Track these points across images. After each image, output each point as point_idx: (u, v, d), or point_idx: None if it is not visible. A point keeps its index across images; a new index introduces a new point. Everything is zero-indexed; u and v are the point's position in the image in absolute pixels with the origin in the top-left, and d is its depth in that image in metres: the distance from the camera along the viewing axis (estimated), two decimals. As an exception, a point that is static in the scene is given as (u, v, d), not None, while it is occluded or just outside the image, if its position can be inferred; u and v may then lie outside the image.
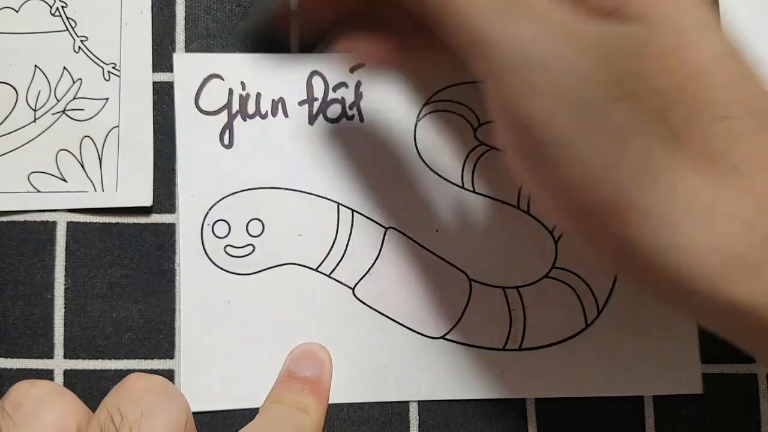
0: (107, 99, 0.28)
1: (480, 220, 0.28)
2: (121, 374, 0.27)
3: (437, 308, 0.27)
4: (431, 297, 0.27)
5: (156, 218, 0.28)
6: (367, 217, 0.27)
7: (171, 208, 0.28)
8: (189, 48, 0.28)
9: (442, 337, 0.27)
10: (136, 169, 0.27)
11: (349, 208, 0.27)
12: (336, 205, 0.27)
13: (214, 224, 0.27)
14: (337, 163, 0.28)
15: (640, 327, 0.27)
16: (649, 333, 0.27)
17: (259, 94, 0.28)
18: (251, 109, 0.28)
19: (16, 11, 0.28)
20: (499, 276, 0.27)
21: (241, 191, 0.27)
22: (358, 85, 0.28)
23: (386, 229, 0.27)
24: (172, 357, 0.27)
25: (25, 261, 0.27)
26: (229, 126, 0.28)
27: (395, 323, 0.27)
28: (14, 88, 0.27)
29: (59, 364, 0.27)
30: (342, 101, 0.28)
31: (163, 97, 0.28)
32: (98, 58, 0.28)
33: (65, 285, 0.27)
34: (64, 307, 0.27)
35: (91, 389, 0.27)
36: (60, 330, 0.27)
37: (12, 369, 0.27)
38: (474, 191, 0.28)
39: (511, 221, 0.28)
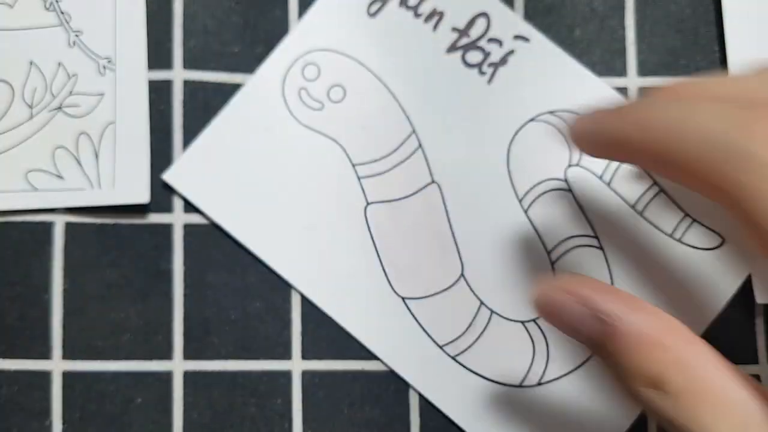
0: (103, 94, 0.27)
1: (512, 237, 0.27)
2: (119, 376, 0.27)
3: (422, 277, 0.27)
4: (423, 264, 0.27)
5: (153, 219, 0.27)
6: (426, 160, 0.27)
7: (168, 208, 0.27)
8: (187, 46, 0.28)
9: (403, 298, 0.27)
10: (132, 164, 0.27)
11: (419, 141, 0.27)
12: (411, 130, 0.27)
13: (307, 65, 0.27)
14: (441, 102, 0.27)
15: None
16: None
17: None
18: (413, 1, 0.27)
19: (11, 6, 0.27)
20: (513, 308, 0.27)
21: (351, 58, 0.27)
22: (510, 52, 0.27)
23: (433, 181, 0.27)
24: (170, 358, 0.27)
25: (22, 262, 0.27)
26: (384, 0, 0.27)
27: (379, 264, 0.27)
28: (10, 85, 0.27)
29: (57, 365, 0.27)
30: (487, 54, 0.27)
31: (160, 95, 0.27)
32: (93, 52, 0.27)
33: (63, 286, 0.27)
34: (62, 308, 0.27)
35: (89, 391, 0.27)
36: (58, 331, 0.27)
37: (9, 370, 0.27)
38: (526, 212, 0.27)
39: (535, 264, 0.27)
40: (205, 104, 0.28)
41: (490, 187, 0.27)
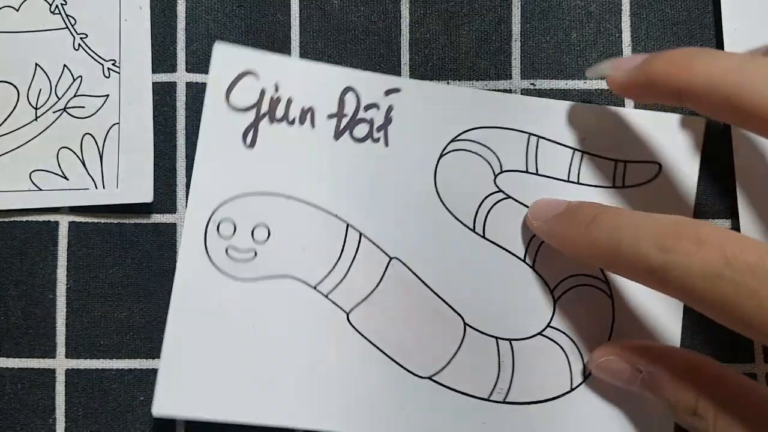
0: (107, 96, 0.27)
1: (484, 266, 0.27)
2: (122, 374, 0.27)
3: (428, 347, 0.27)
4: (424, 335, 0.27)
5: (157, 218, 0.28)
6: (374, 244, 0.27)
7: (171, 208, 0.28)
8: (190, 49, 0.28)
9: (429, 378, 0.27)
10: (136, 165, 0.27)
11: (358, 231, 0.27)
12: (345, 225, 0.27)
13: (220, 223, 0.27)
14: (353, 184, 0.27)
15: (622, 399, 0.27)
16: (629, 405, 0.27)
17: (290, 99, 0.27)
18: (280, 113, 0.27)
19: (17, 10, 0.28)
20: (495, 325, 0.27)
21: (253, 194, 0.27)
22: (390, 108, 0.27)
23: (391, 259, 0.27)
24: (173, 357, 0.27)
25: (27, 261, 0.27)
26: (254, 126, 0.27)
27: (384, 356, 0.27)
28: (15, 87, 0.27)
29: (61, 363, 0.27)
30: (371, 122, 0.27)
31: (164, 97, 0.28)
32: (98, 55, 0.28)
33: (67, 285, 0.27)
34: (66, 307, 0.27)
35: (92, 389, 0.27)
36: (62, 330, 0.27)
37: (14, 368, 0.27)
38: (484, 236, 0.27)
39: (515, 273, 0.27)
40: (208, 106, 0.28)
41: (441, 233, 0.27)
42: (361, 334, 0.27)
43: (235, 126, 0.27)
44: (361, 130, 0.27)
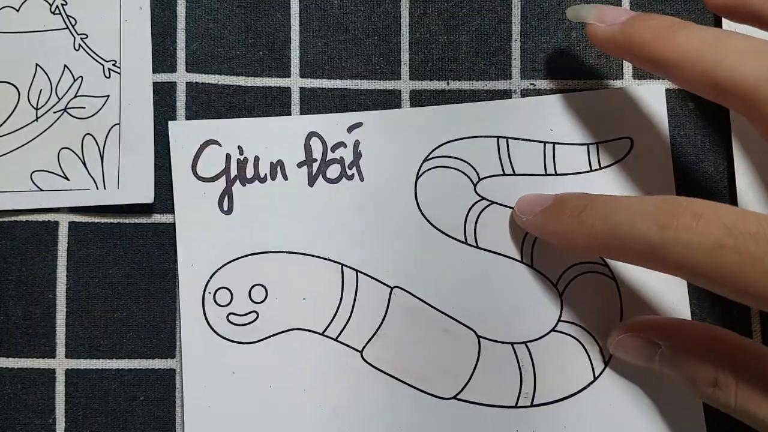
0: (108, 96, 0.27)
1: (485, 275, 0.27)
2: (122, 374, 0.27)
3: (447, 367, 0.27)
4: (441, 356, 0.27)
5: (157, 218, 0.28)
6: (372, 278, 0.27)
7: (171, 208, 0.28)
8: (190, 49, 0.28)
9: (454, 398, 0.27)
10: (137, 165, 0.27)
11: (354, 269, 0.27)
12: (340, 266, 0.27)
13: (215, 292, 0.27)
14: (338, 225, 0.27)
15: (646, 381, 0.27)
16: (655, 386, 0.27)
17: (257, 158, 0.27)
18: (250, 173, 0.27)
19: (17, 10, 0.28)
20: (507, 331, 0.27)
21: (243, 257, 0.27)
22: (357, 144, 0.28)
23: (392, 288, 0.27)
24: (173, 357, 0.27)
25: (27, 261, 0.27)
26: (227, 191, 0.27)
27: (405, 385, 0.27)
28: (16, 87, 0.27)
29: (61, 363, 0.27)
30: (341, 161, 0.28)
31: (164, 97, 0.28)
32: (98, 56, 0.28)
33: (67, 285, 0.27)
34: (66, 307, 0.27)
35: (92, 389, 0.27)
36: (62, 329, 0.27)
37: (14, 368, 0.27)
38: (477, 246, 0.27)
39: (516, 276, 0.27)
40: (207, 106, 0.28)
41: (435, 252, 0.27)
42: (378, 369, 0.27)
43: (208, 196, 0.27)
44: (333, 171, 0.28)
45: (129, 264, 0.27)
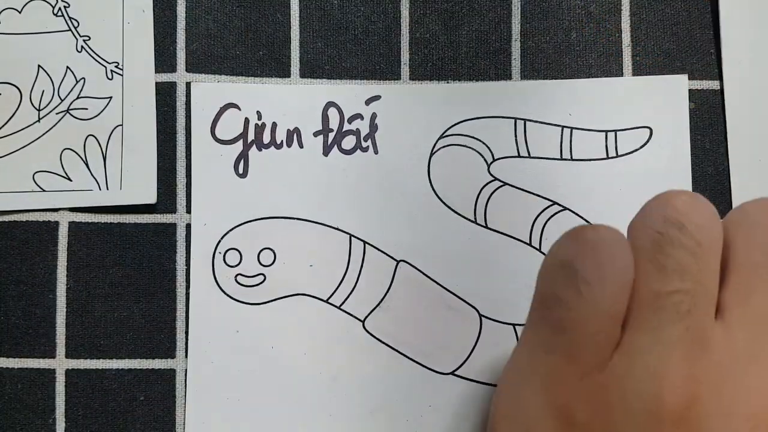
0: (110, 98, 0.28)
1: (492, 255, 0.27)
2: (122, 374, 0.27)
3: (447, 343, 0.27)
4: (442, 332, 0.27)
5: (157, 218, 0.28)
6: (379, 250, 0.27)
7: (172, 208, 0.28)
8: (190, 49, 0.28)
9: (452, 373, 0.27)
10: (139, 166, 0.27)
11: (362, 240, 0.27)
12: (348, 236, 0.27)
13: (225, 253, 0.27)
14: (350, 195, 0.28)
15: None
16: None
17: (275, 124, 0.28)
18: (267, 138, 0.28)
19: (19, 12, 0.28)
20: (510, 312, 0.27)
21: (254, 220, 0.27)
22: (374, 116, 0.28)
23: (398, 262, 0.27)
24: (173, 357, 0.27)
25: (27, 261, 0.27)
26: (244, 155, 0.28)
27: (405, 357, 0.27)
28: (18, 88, 0.28)
29: (61, 363, 0.27)
30: (357, 133, 0.28)
31: (164, 97, 0.28)
32: (101, 57, 0.28)
33: (67, 285, 0.27)
34: (66, 307, 0.27)
35: (92, 389, 0.27)
36: (62, 329, 0.27)
37: (14, 368, 0.27)
38: (486, 226, 0.27)
39: (523, 258, 0.27)
40: (208, 106, 0.28)
41: (444, 229, 0.27)
42: (379, 340, 0.27)
43: (225, 158, 0.28)
44: (348, 142, 0.28)
45: (129, 264, 0.27)
